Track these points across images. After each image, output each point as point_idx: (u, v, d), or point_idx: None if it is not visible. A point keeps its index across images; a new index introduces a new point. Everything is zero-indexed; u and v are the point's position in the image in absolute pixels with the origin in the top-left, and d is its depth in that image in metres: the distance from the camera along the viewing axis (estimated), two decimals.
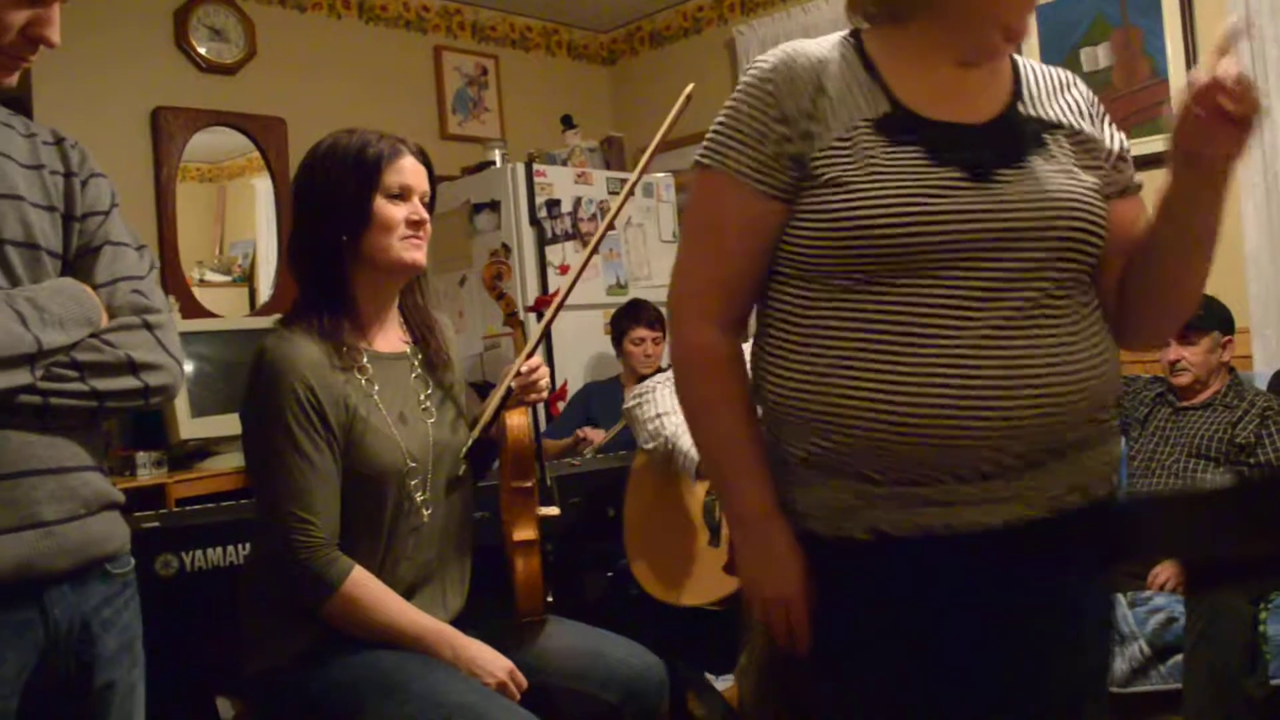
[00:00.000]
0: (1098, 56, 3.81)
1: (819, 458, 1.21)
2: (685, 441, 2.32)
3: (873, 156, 1.19)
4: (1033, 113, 1.27)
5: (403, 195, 1.76)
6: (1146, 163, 3.54)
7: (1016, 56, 1.32)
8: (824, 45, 1.28)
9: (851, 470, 1.19)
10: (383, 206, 1.74)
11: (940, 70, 1.25)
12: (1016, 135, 1.23)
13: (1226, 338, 3.01)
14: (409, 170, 1.77)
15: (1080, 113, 1.30)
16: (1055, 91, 1.31)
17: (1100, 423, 1.22)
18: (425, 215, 1.79)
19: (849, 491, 1.19)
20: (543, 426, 3.88)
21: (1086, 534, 1.15)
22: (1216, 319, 3.00)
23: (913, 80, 1.24)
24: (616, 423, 3.52)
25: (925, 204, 1.15)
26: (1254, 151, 3.40)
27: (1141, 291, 1.27)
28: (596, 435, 3.54)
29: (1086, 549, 1.19)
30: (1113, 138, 1.31)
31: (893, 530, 1.18)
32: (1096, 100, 1.34)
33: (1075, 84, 1.34)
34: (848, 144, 1.20)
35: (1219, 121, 1.10)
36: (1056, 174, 1.21)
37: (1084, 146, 1.27)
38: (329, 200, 1.73)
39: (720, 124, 1.27)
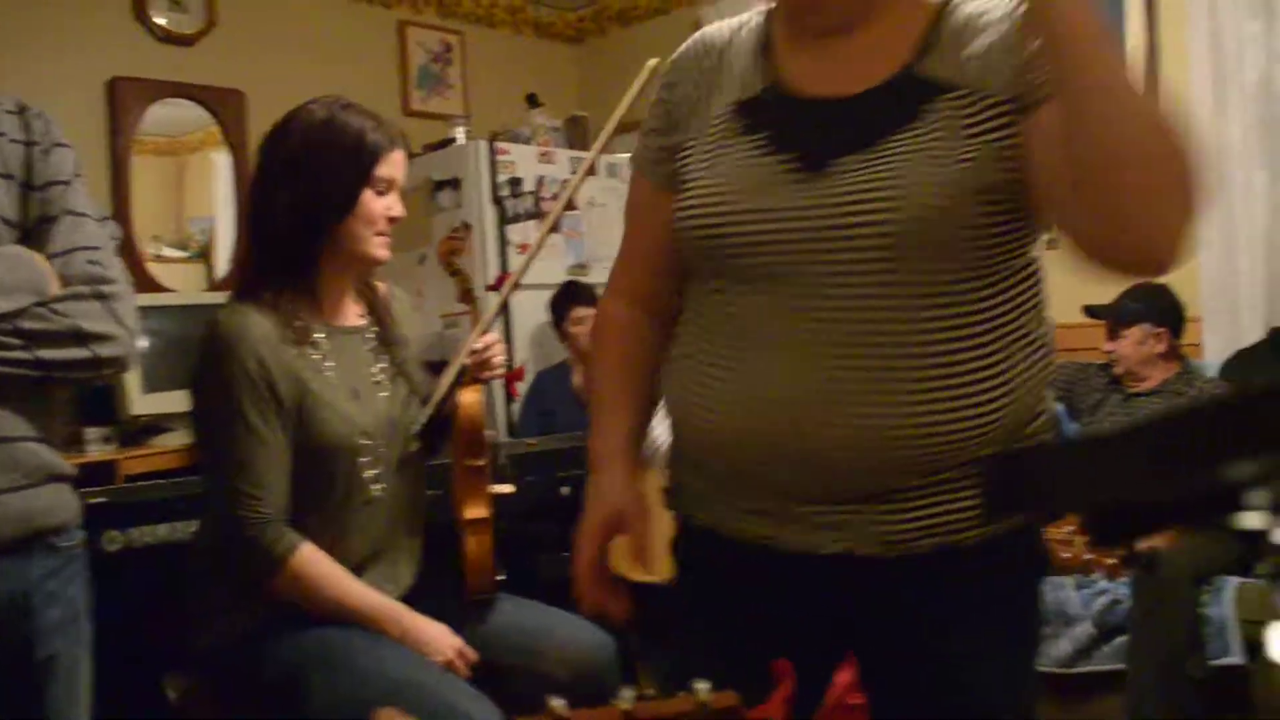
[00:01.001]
0: None
1: (677, 448, 1.22)
2: (655, 432, 2.34)
3: (712, 149, 1.14)
4: (931, 74, 1.07)
5: (387, 189, 1.75)
6: None
7: None
8: (742, 20, 1.22)
9: (699, 465, 1.18)
10: (369, 199, 1.73)
11: (822, 37, 1.14)
12: (885, 109, 1.07)
13: (1160, 329, 3.05)
14: (397, 164, 1.77)
15: (1006, 48, 1.05)
16: (982, 32, 1.07)
17: (955, 468, 1.06)
18: (402, 211, 1.78)
19: (700, 481, 1.19)
20: (499, 405, 3.88)
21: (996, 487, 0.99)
22: (1148, 311, 3.05)
23: (799, 49, 1.15)
24: (570, 406, 3.53)
25: (737, 201, 1.09)
26: (1206, 139, 3.45)
27: (1079, 174, 0.98)
28: None
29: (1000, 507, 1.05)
30: (1024, 56, 1.04)
31: (723, 530, 1.16)
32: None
33: (1014, 13, 1.07)
34: (706, 136, 1.16)
35: None
36: (909, 157, 1.03)
37: (983, 106, 1.04)
38: (318, 183, 1.70)
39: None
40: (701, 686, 0.67)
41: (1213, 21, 3.43)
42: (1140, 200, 0.94)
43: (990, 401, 1.04)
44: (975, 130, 1.04)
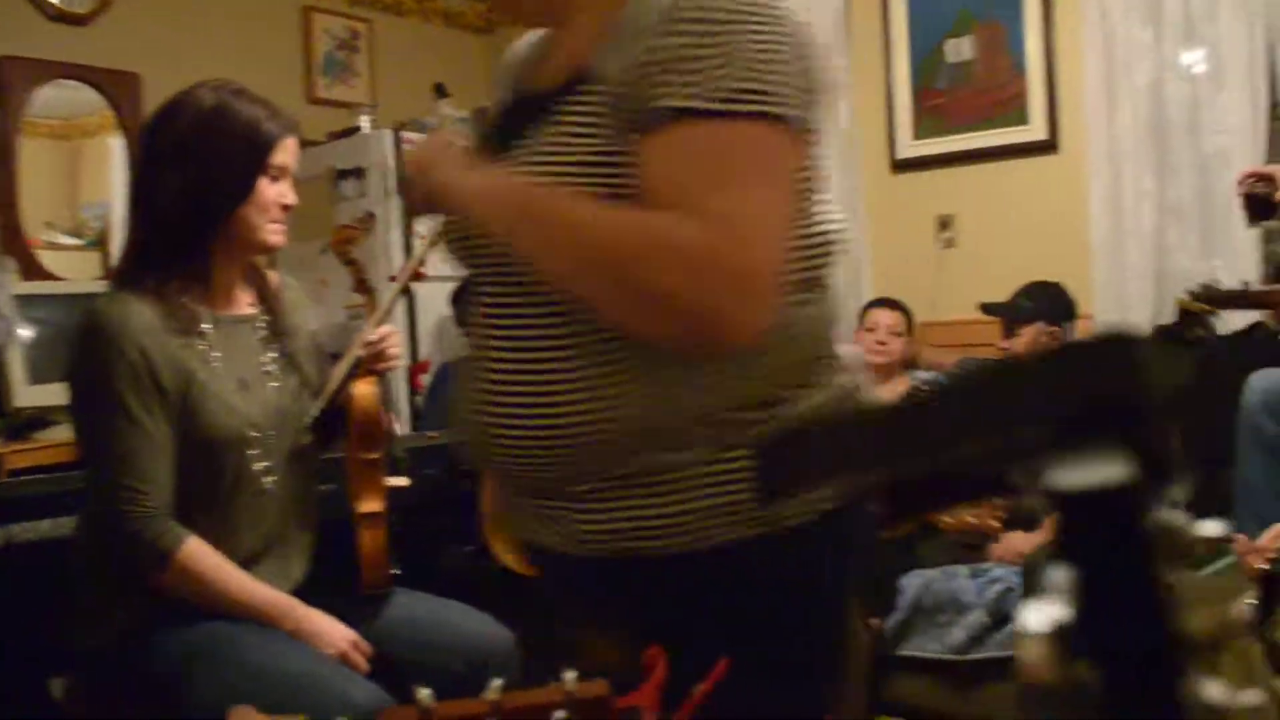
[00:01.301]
0: (962, 49, 3.92)
1: None
2: None
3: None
4: (592, 69, 1.02)
5: (280, 175, 1.72)
6: (1003, 153, 3.73)
7: None
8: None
9: None
10: (264, 187, 1.70)
11: (542, 30, 1.20)
12: (541, 105, 1.05)
13: (1054, 327, 3.15)
14: (290, 150, 1.74)
15: (636, 58, 0.98)
16: (639, 35, 0.98)
17: (616, 475, 1.03)
18: (295, 198, 1.76)
19: None
20: (403, 398, 3.84)
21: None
22: (1042, 310, 3.15)
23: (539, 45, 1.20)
24: None
25: None
26: (1099, 142, 3.56)
27: None
28: None
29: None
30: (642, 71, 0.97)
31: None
32: (685, 46, 0.96)
33: (667, 27, 0.97)
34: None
35: None
36: (530, 156, 1.03)
37: (602, 103, 1.00)
38: (209, 170, 1.66)
39: None
40: (569, 676, 0.67)
41: (1105, 29, 3.54)
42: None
43: (651, 406, 1.00)
44: (592, 127, 1.00)
